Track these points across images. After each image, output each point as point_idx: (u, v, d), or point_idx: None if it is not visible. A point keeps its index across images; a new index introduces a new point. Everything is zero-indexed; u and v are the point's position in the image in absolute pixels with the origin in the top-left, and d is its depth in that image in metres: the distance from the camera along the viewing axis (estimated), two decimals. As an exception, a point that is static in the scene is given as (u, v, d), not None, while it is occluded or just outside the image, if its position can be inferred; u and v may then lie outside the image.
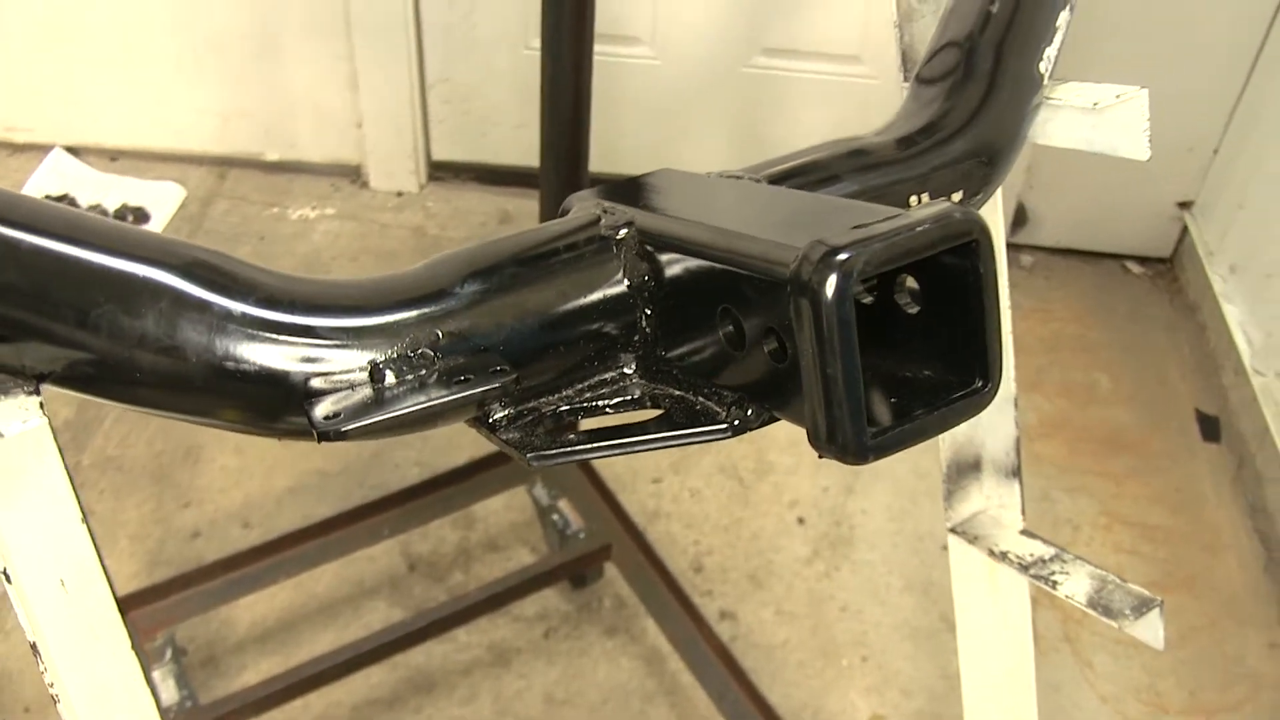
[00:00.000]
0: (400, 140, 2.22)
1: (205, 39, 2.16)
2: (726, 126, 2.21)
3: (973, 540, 0.80)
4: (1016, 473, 0.81)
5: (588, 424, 0.45)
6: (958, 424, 0.40)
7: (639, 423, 0.43)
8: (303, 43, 2.11)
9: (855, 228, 0.37)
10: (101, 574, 0.44)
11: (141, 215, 2.18)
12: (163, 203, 2.21)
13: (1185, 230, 2.29)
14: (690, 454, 1.88)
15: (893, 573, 1.75)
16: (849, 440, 0.37)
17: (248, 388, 0.40)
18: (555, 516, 1.57)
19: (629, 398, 0.45)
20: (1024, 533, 0.80)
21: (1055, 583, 0.75)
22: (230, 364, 0.39)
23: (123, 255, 0.39)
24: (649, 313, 0.45)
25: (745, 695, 1.40)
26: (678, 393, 0.44)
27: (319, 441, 0.39)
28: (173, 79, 2.22)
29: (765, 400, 0.42)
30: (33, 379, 0.40)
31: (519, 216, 2.30)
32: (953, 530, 0.82)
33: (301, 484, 1.80)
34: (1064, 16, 0.60)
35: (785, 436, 1.92)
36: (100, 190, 2.24)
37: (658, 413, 0.45)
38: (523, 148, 2.28)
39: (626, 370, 0.46)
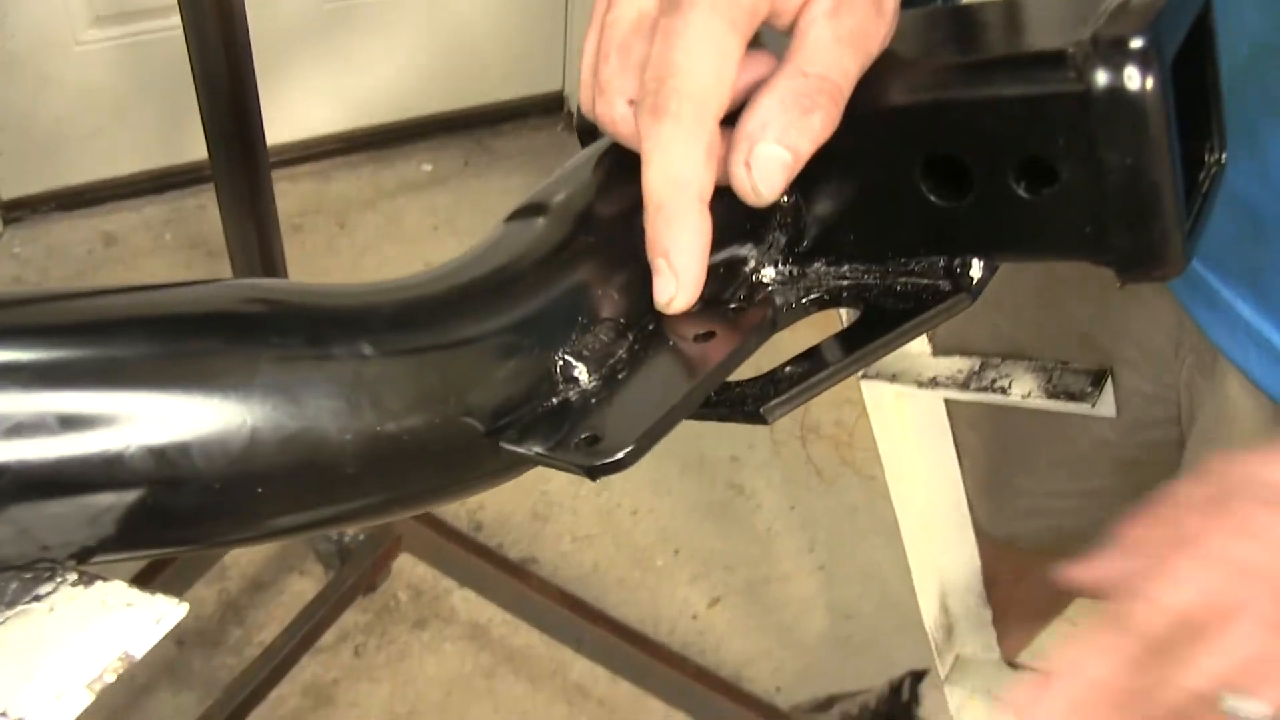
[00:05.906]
0: (-41, 190, 1.90)
1: None
2: (325, 60, 2.03)
3: (891, 379, 0.77)
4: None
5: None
6: (1215, 199, 0.34)
7: (844, 332, 0.35)
8: None
9: (1102, 18, 0.30)
10: None
11: None
12: None
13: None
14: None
15: (664, 461, 1.73)
16: (1178, 251, 0.31)
17: None
18: (329, 528, 1.42)
19: (788, 306, 0.37)
20: (937, 355, 0.77)
21: (1004, 389, 0.72)
22: None
23: None
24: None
25: (592, 623, 1.35)
26: (857, 283, 0.36)
27: None
28: None
29: (988, 249, 0.34)
30: None
31: (123, 234, 2.04)
32: (864, 377, 0.79)
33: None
34: None
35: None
36: None
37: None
38: (101, 158, 2.01)
39: (764, 280, 0.37)
